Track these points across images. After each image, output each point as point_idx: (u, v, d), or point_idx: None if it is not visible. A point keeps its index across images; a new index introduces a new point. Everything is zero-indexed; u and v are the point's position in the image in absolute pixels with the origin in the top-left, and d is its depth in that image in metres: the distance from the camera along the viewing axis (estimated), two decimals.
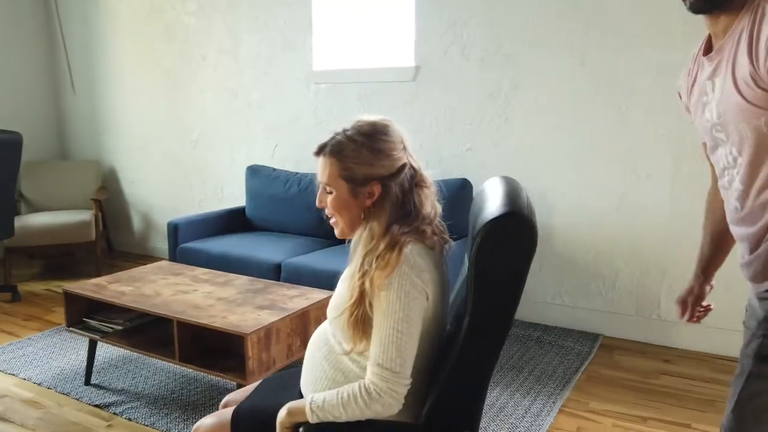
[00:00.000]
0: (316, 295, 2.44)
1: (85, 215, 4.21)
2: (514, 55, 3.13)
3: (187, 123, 4.37)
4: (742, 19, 1.02)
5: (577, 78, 3.00)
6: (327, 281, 2.70)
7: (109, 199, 4.66)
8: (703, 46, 1.16)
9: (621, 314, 3.07)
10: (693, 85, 1.21)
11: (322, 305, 2.39)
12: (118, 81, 4.63)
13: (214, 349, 2.31)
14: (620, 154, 2.97)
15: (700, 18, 1.14)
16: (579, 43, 2.97)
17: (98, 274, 4.16)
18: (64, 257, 4.59)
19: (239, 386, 2.16)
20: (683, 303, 1.46)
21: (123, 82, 4.61)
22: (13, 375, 2.69)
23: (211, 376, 2.62)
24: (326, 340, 1.27)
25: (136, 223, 4.82)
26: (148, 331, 2.51)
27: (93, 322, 2.54)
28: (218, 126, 4.22)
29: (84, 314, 2.57)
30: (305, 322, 2.32)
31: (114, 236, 4.86)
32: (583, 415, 2.32)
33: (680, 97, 1.29)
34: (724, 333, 2.81)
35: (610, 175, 3.00)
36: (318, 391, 1.22)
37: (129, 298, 2.42)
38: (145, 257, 4.66)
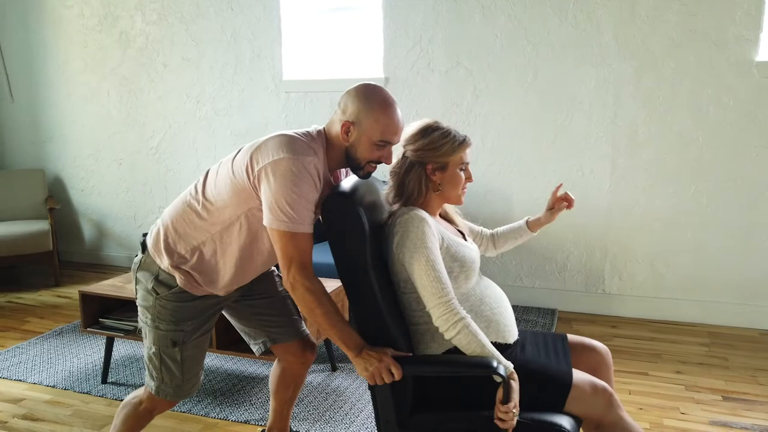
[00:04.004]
0: (330, 284, 2.68)
1: (42, 225, 4.10)
2: (474, 69, 3.57)
3: (146, 130, 4.38)
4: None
5: (530, 89, 3.49)
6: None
7: (55, 209, 4.54)
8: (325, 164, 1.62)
9: (572, 291, 3.59)
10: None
11: (336, 294, 2.64)
12: (64, 88, 4.54)
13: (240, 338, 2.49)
14: (567, 154, 3.49)
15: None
16: (530, 59, 3.47)
17: (57, 285, 4.09)
18: (5, 270, 4.40)
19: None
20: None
21: (70, 89, 4.53)
22: (20, 381, 2.67)
23: (230, 364, 2.78)
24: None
25: (87, 232, 4.71)
26: None
27: (110, 322, 2.62)
28: (181, 133, 4.30)
29: (97, 316, 2.64)
30: None
31: (62, 246, 4.71)
32: None
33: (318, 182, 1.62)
34: (655, 301, 3.41)
35: (560, 171, 3.52)
36: None
37: None
38: (99, 266, 4.59)
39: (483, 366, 1.42)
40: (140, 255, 1.73)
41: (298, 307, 1.55)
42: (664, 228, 3.36)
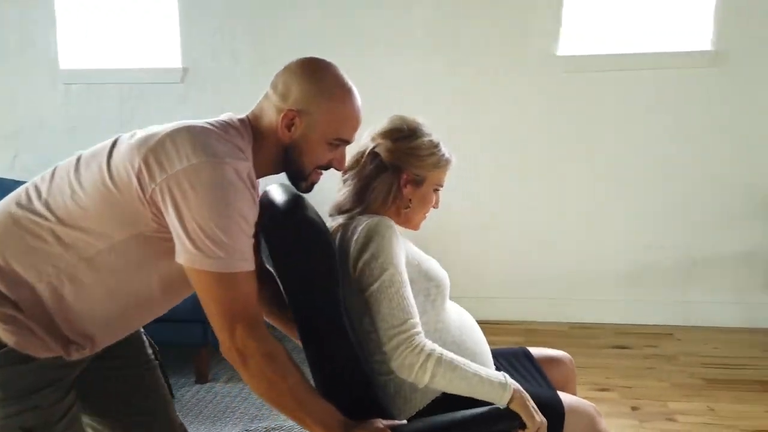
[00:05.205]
0: None
1: None
2: (284, 60, 3.23)
3: None
4: None
5: None
6: None
7: None
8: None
9: None
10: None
11: None
12: None
13: None
14: None
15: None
16: (342, 52, 3.20)
17: None
18: None
19: None
20: None
21: None
22: None
23: None
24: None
25: None
26: None
27: None
28: None
29: None
30: None
31: None
32: None
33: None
34: (474, 301, 3.34)
35: None
36: None
37: None
38: None
39: (500, 420, 1.17)
40: None
41: (251, 386, 1.07)
42: (481, 227, 3.29)
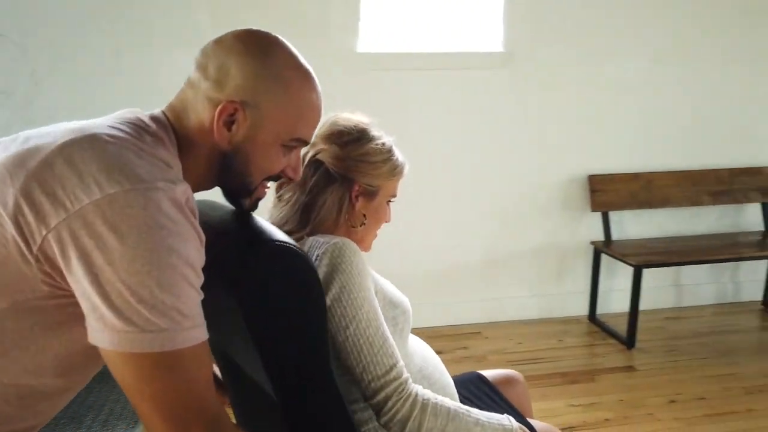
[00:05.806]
0: None
1: None
2: (29, 44, 2.62)
3: None
4: None
5: (112, 75, 2.71)
6: None
7: None
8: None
9: None
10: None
11: None
12: None
13: None
14: None
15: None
16: (110, 36, 2.69)
17: None
18: None
19: None
20: None
21: None
22: None
23: None
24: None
25: None
26: None
27: None
28: None
29: None
30: None
31: None
32: None
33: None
34: None
35: None
36: None
37: None
38: None
39: None
40: None
41: None
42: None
